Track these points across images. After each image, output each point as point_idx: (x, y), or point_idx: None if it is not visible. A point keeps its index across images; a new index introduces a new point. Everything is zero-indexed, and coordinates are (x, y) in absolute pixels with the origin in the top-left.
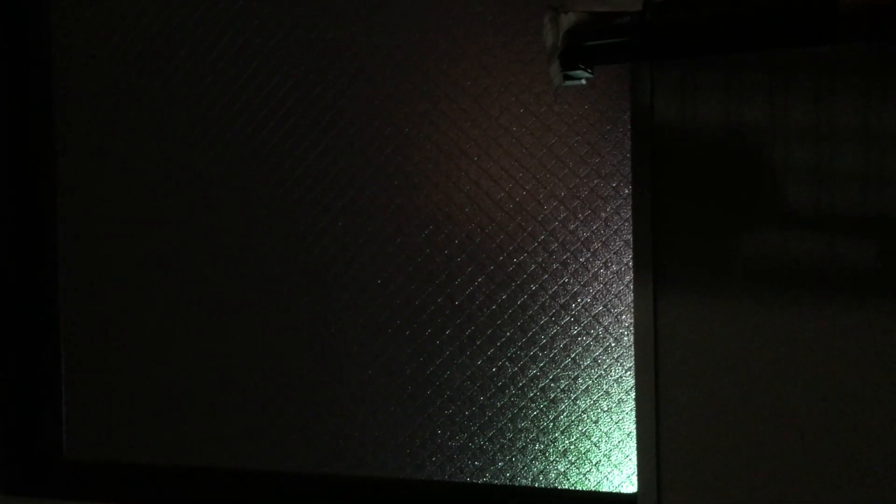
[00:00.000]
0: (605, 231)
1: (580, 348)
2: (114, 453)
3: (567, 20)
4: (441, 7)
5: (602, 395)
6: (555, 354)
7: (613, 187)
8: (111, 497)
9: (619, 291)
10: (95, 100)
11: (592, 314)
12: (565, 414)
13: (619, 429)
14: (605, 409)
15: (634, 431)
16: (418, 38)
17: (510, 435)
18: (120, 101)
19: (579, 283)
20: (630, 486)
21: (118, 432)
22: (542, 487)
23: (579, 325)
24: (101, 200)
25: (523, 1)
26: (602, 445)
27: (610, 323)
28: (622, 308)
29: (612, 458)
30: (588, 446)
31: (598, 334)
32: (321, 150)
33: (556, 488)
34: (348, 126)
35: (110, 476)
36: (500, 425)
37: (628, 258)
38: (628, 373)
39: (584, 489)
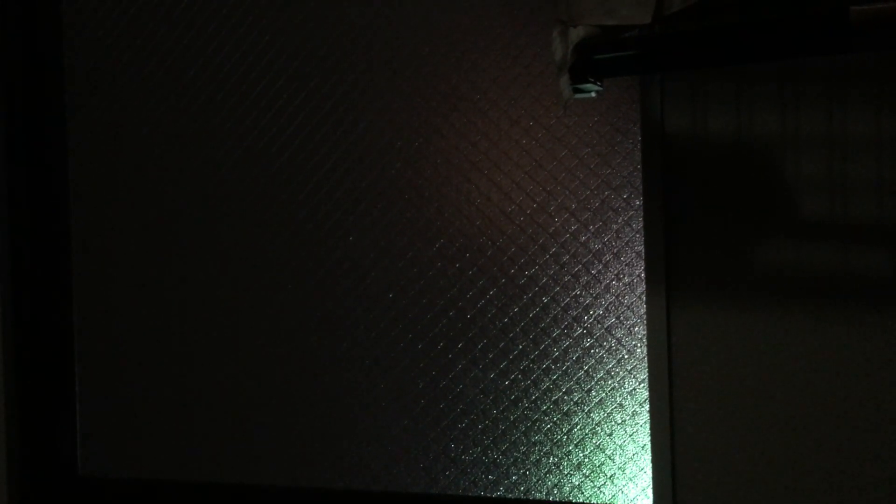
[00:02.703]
0: (616, 243)
1: (593, 360)
2: (128, 470)
3: (576, 34)
4: (450, 21)
5: (616, 407)
6: (568, 367)
7: (624, 199)
8: None
9: (632, 303)
10: (109, 115)
11: (605, 326)
12: (579, 427)
13: (634, 441)
14: (619, 421)
15: (649, 444)
16: (428, 52)
17: (524, 448)
18: (134, 118)
19: (591, 295)
20: (645, 498)
21: (132, 449)
22: (556, 501)
23: (592, 338)
24: (115, 219)
25: (532, 15)
26: (616, 458)
27: (623, 335)
28: (635, 320)
29: (627, 471)
30: (602, 459)
31: (610, 346)
32: (332, 165)
33: (570, 501)
34: (359, 140)
35: (125, 493)
36: (513, 438)
37: (640, 269)
38: (642, 385)
39: (599, 502)
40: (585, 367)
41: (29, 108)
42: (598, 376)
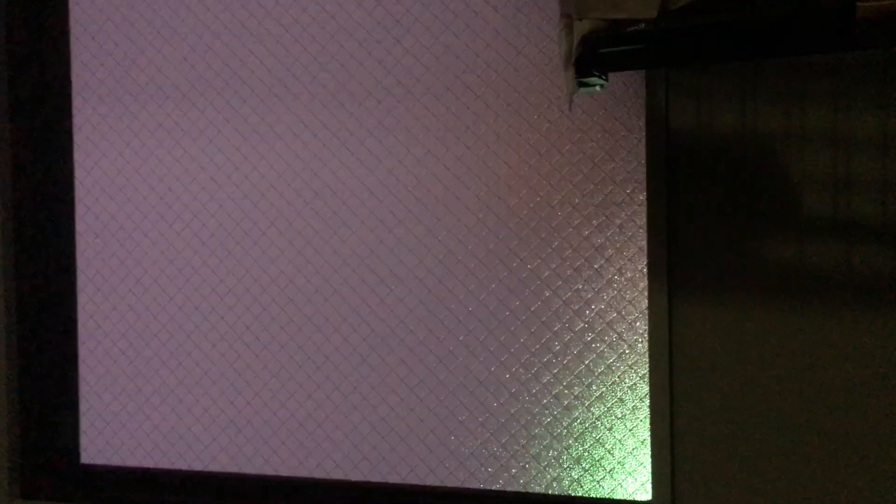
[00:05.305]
0: (619, 237)
1: (594, 355)
2: (130, 460)
3: (582, 27)
4: (456, 13)
5: (616, 401)
6: (568, 361)
7: (628, 193)
8: (127, 503)
9: (634, 298)
10: (112, 106)
11: (606, 320)
12: (579, 421)
13: (633, 436)
14: (619, 415)
15: (648, 438)
16: (433, 44)
17: (523, 441)
18: (136, 109)
19: (593, 289)
20: (644, 493)
21: (134, 438)
22: (555, 494)
23: (593, 332)
24: (118, 205)
25: (538, 8)
26: (616, 452)
27: (624, 329)
28: (636, 314)
29: (626, 466)
30: (602, 453)
31: (612, 341)
32: (336, 156)
33: (569, 495)
34: (363, 132)
35: (126, 483)
36: (513, 431)
37: (643, 264)
38: (642, 380)
39: (598, 496)
40: (586, 362)
41: (33, 106)
42: (599, 371)
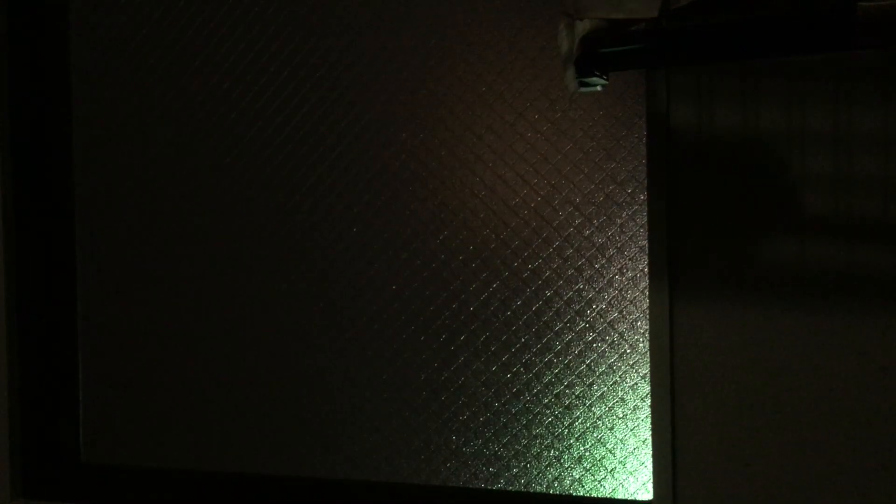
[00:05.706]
0: (620, 237)
1: (595, 354)
2: (131, 457)
3: (582, 27)
4: (457, 13)
5: (617, 401)
6: (570, 360)
7: (629, 193)
8: (128, 501)
9: (635, 297)
10: (112, 107)
11: (608, 320)
12: (580, 420)
13: (635, 435)
14: (621, 415)
15: (650, 438)
16: (434, 44)
17: (525, 441)
18: (136, 109)
19: (594, 289)
20: (645, 493)
21: (135, 436)
22: (557, 494)
23: (594, 332)
24: (118, 206)
25: (539, 7)
26: (617, 452)
27: (625, 329)
28: (637, 314)
29: (628, 465)
30: (603, 453)
31: (613, 340)
32: (337, 156)
33: (571, 495)
34: (364, 132)
35: (127, 480)
36: (515, 431)
37: (644, 264)
38: (644, 379)
39: (600, 496)
40: (587, 362)
41: (33, 104)
42: (600, 370)
